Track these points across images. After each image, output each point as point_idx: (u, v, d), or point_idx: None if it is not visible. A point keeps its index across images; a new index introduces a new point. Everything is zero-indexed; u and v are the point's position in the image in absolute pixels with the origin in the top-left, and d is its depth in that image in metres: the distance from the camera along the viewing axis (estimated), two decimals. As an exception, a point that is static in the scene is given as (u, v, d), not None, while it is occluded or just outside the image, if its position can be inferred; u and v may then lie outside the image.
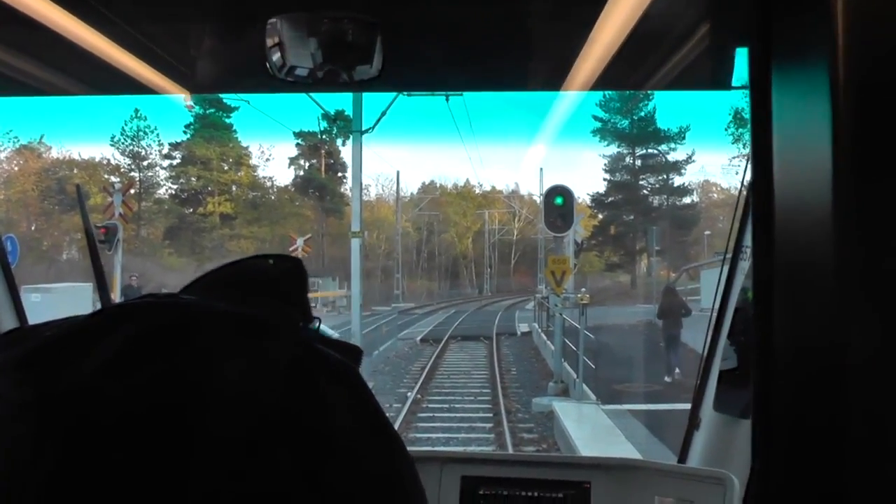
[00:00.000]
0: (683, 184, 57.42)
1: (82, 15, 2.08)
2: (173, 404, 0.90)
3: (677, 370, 18.38)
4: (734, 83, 2.27)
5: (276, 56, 1.99)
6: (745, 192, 2.37)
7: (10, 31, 2.21)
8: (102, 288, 2.33)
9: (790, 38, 0.52)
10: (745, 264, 2.42)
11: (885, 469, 0.46)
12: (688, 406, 2.80)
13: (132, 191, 43.26)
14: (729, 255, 2.52)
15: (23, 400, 0.91)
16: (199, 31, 2.18)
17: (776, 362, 0.54)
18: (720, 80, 2.26)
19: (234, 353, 0.96)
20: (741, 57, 2.23)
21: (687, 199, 57.14)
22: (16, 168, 51.94)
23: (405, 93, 22.16)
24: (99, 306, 2.01)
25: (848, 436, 0.47)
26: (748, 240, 2.38)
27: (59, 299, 15.85)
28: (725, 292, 2.51)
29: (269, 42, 1.97)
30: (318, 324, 1.17)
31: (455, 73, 2.52)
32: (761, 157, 0.54)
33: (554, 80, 2.44)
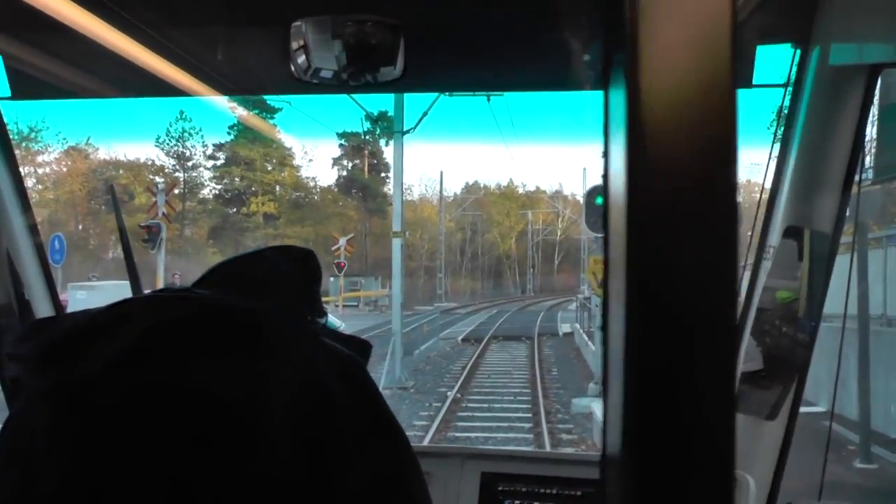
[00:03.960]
0: (730, 183, 56.84)
1: (117, 23, 2.14)
2: (180, 395, 0.94)
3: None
4: (755, 81, 2.28)
5: (300, 59, 2.03)
6: (766, 194, 2.37)
7: (53, 39, 2.29)
8: (136, 285, 2.39)
9: (619, 51, 0.56)
10: (768, 264, 2.41)
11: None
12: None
13: (176, 191, 43.73)
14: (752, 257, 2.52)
15: (41, 388, 0.96)
16: (225, 35, 2.23)
17: (608, 358, 0.58)
18: (741, 78, 2.26)
19: (241, 348, 0.99)
20: (762, 55, 2.24)
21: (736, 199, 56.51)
22: (64, 169, 52.78)
23: (446, 93, 22.16)
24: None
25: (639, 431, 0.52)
26: (772, 240, 2.38)
27: (103, 296, 15.97)
28: (749, 292, 2.51)
29: (294, 45, 2.01)
30: (325, 318, 1.21)
31: (480, 74, 2.54)
32: (605, 160, 0.58)
33: (583, 79, 2.45)
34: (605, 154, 0.57)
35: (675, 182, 0.50)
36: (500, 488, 2.32)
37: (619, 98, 0.53)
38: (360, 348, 1.16)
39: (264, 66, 2.40)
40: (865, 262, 10.31)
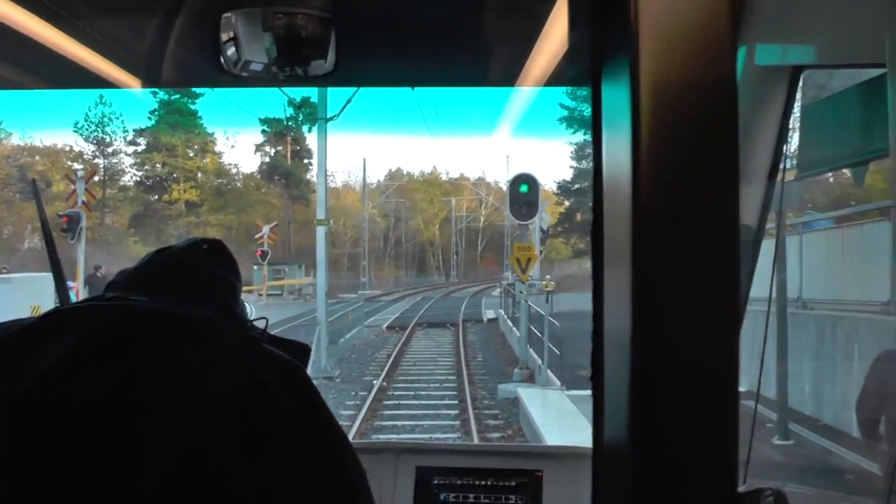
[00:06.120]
0: (649, 170, 57.45)
1: (38, 10, 2.08)
2: (122, 407, 0.93)
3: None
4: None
5: (230, 51, 2.00)
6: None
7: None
8: (60, 281, 2.33)
9: (613, 49, 0.56)
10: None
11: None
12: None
13: (96, 178, 42.63)
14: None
15: None
16: (154, 25, 2.18)
17: (604, 349, 0.59)
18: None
19: (183, 357, 0.98)
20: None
21: (653, 186, 57.10)
22: (-28, 156, 51.05)
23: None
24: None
25: (649, 417, 0.53)
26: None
27: (19, 290, 15.46)
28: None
29: (224, 37, 1.98)
30: (266, 322, 1.20)
31: (409, 69, 2.53)
32: (595, 153, 0.59)
33: (507, 76, 2.47)
34: (597, 147, 0.58)
35: (681, 174, 0.51)
36: (435, 482, 2.34)
37: (617, 93, 0.53)
38: (299, 352, 1.16)
39: (193, 57, 2.36)
40: (784, 251, 10.67)
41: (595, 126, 0.59)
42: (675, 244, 0.53)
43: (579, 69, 2.34)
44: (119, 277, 1.14)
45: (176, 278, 1.12)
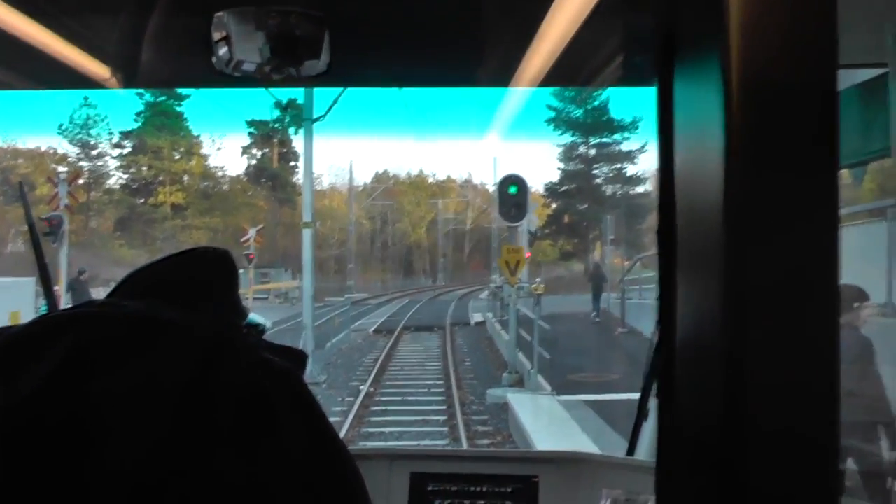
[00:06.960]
0: (637, 173, 57.65)
1: (24, 7, 2.04)
2: (121, 416, 0.90)
3: (598, 315, 27.54)
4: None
5: (222, 50, 1.97)
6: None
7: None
8: (47, 286, 2.31)
9: (690, 40, 0.53)
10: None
11: (780, 458, 0.49)
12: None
13: (80, 180, 42.44)
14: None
15: None
16: (144, 24, 2.15)
17: (677, 357, 0.55)
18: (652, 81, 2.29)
19: (184, 366, 0.96)
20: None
21: (641, 189, 57.24)
22: (-47, 159, 50.64)
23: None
24: (42, 302, 2.02)
25: (743, 428, 0.49)
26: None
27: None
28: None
29: (216, 36, 1.96)
30: (246, 318, 1.18)
31: (403, 69, 2.51)
32: (664, 153, 0.56)
33: (502, 76, 2.45)
34: (667, 148, 0.55)
35: (780, 175, 0.48)
36: (429, 488, 2.32)
37: (700, 89, 0.50)
38: (296, 360, 1.15)
39: (185, 57, 2.33)
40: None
41: (664, 125, 0.56)
42: (775, 248, 0.49)
43: (599, 67, 2.33)
44: (120, 282, 1.13)
45: (173, 284, 1.11)
